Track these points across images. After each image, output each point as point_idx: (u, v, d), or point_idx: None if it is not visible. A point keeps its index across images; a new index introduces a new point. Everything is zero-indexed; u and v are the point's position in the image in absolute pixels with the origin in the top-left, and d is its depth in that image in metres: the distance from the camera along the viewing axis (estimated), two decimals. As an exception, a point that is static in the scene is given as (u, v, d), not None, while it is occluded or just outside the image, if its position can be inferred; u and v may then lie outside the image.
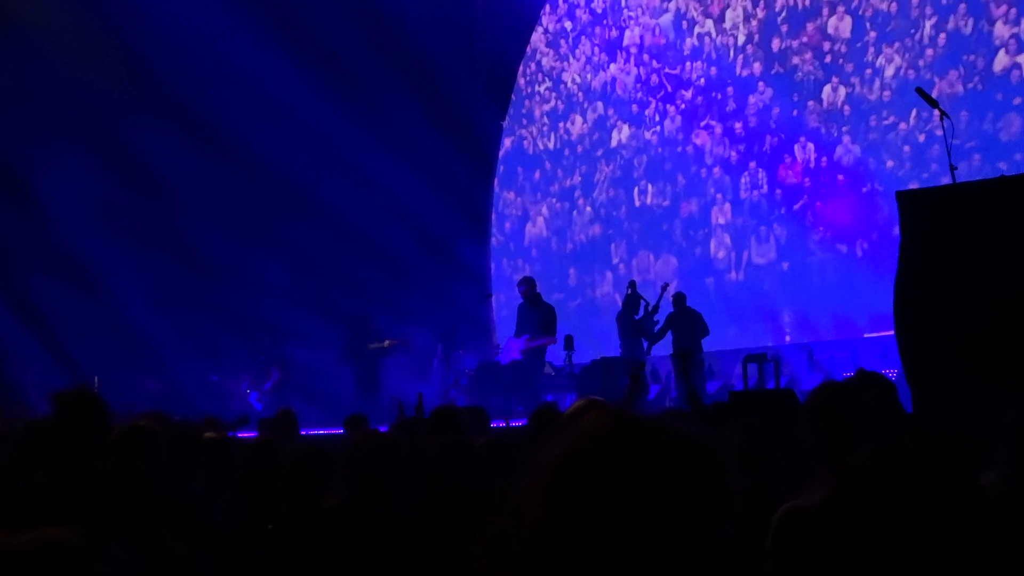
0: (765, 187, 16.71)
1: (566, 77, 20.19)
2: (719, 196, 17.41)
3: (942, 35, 14.82)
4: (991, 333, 5.32)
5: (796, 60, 16.42)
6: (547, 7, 20.19)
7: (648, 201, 18.45)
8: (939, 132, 7.22)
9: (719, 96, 17.34)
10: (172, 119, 14.45)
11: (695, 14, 18.09)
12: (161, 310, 14.01)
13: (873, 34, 15.69)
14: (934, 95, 14.11)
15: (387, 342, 13.52)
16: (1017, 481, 2.98)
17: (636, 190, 18.69)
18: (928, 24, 15.04)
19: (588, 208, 19.50)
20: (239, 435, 7.03)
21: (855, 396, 3.18)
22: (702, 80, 17.63)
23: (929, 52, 15.00)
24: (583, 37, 19.96)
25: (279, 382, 14.06)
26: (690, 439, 1.35)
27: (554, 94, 20.38)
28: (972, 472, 1.88)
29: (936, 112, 6.96)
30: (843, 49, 15.84)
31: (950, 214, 5.78)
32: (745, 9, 17.34)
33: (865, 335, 13.39)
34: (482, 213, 18.55)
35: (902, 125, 15.13)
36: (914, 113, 14.90)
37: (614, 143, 19.05)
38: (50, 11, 13.92)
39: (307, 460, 3.98)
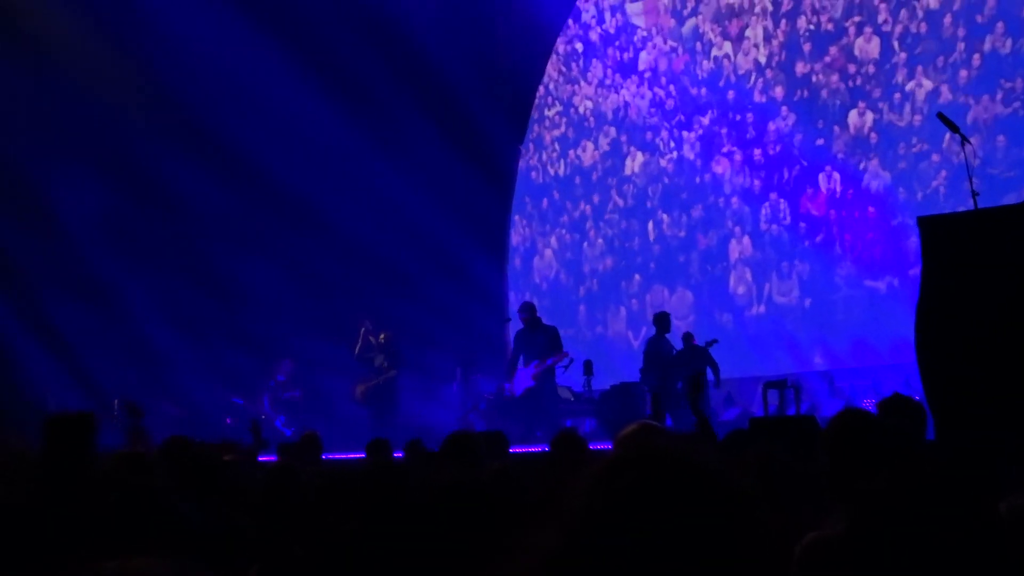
0: (787, 219, 15.79)
1: (577, 101, 19.30)
2: (738, 228, 16.48)
3: (977, 56, 13.87)
4: (1013, 359, 5.34)
5: (820, 83, 15.52)
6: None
7: (663, 232, 17.52)
8: (967, 159, 6.97)
9: (738, 121, 16.46)
10: (191, 140, 14.55)
11: (712, 36, 17.13)
12: (181, 332, 14.15)
13: (903, 55, 14.72)
14: (968, 120, 13.32)
15: (383, 335, 13.47)
16: None
17: (650, 221, 17.79)
18: (962, 45, 14.08)
19: (600, 240, 18.59)
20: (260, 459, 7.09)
21: (875, 423, 3.15)
22: (720, 105, 16.79)
23: (963, 74, 14.02)
24: (595, 59, 19.04)
25: (298, 400, 14.18)
26: (722, 476, 1.32)
27: (564, 119, 19.49)
28: (992, 499, 1.88)
29: (958, 137, 7.09)
30: (870, 72, 14.94)
31: (972, 240, 5.80)
32: (765, 29, 16.39)
33: (887, 362, 12.87)
34: (500, 237, 18.27)
35: (935, 156, 14.07)
36: (947, 139, 13.80)
37: (627, 171, 18.20)
38: (70, 32, 14.06)
39: (329, 486, 3.97)
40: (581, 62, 19.31)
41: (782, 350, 14.92)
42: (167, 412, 13.42)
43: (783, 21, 16.21)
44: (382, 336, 13.64)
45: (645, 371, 12.82)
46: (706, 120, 16.95)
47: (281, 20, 15.00)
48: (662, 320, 13.00)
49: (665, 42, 17.90)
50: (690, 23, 17.45)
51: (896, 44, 14.80)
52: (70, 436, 4.21)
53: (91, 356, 13.72)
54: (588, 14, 19.07)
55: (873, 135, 14.93)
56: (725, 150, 16.58)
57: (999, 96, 13.53)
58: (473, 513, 2.96)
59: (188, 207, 14.79)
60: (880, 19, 14.99)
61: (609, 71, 18.83)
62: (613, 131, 18.55)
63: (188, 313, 14.42)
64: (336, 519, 3.58)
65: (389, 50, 15.60)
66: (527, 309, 13.12)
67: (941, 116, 7.35)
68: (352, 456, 9.03)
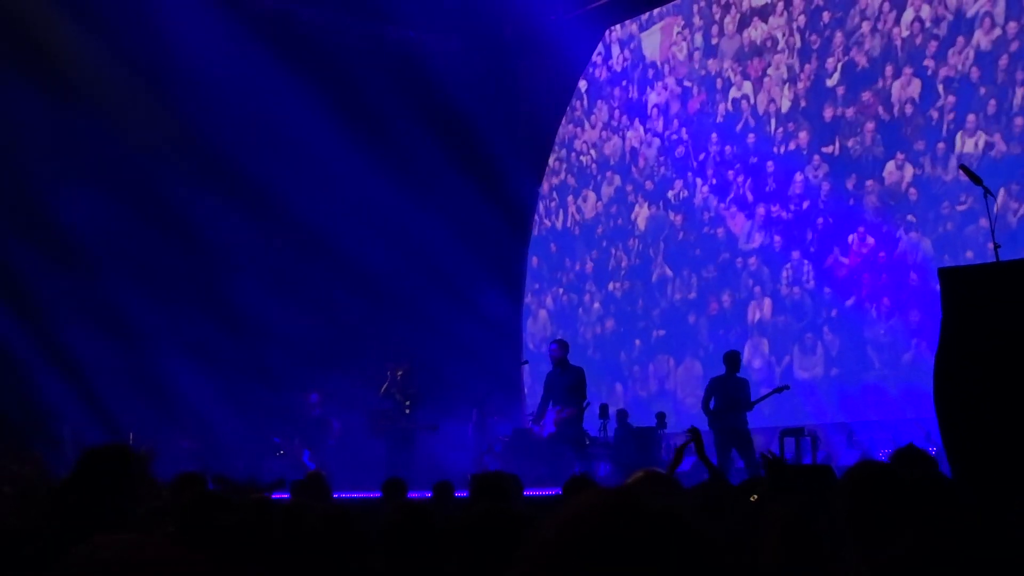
0: (811, 282, 14.17)
1: (579, 145, 17.73)
2: (757, 290, 14.81)
3: None
4: None
5: (852, 131, 13.89)
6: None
7: (671, 294, 15.90)
8: (989, 210, 7.19)
9: (758, 171, 14.94)
10: (214, 174, 14.94)
11: (731, 74, 15.41)
12: (199, 367, 14.34)
13: (950, 99, 12.97)
14: None
15: (400, 371, 13.69)
16: None
17: (655, 278, 16.14)
18: (1020, 90, 12.30)
19: (596, 304, 16.94)
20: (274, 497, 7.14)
21: (893, 475, 3.13)
22: (738, 153, 15.25)
23: (1020, 123, 12.23)
24: (599, 100, 17.32)
25: (339, 434, 14.33)
26: (692, 530, 1.27)
27: (564, 165, 17.93)
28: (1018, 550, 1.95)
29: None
30: (911, 118, 13.28)
31: (992, 292, 5.86)
32: (791, 69, 14.70)
33: (908, 416, 12.11)
34: (518, 278, 17.79)
35: (983, 221, 12.21)
36: (1000, 195, 11.94)
37: (632, 224, 16.69)
38: (95, 65, 14.49)
39: (335, 524, 3.90)
40: (585, 101, 17.74)
41: (801, 398, 13.69)
42: (181, 446, 13.57)
43: (811, 59, 14.52)
44: (399, 372, 13.63)
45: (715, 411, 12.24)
46: (722, 170, 15.45)
47: (306, 57, 15.37)
48: (733, 360, 12.27)
49: (679, 81, 16.27)
50: (709, 60, 15.72)
51: (941, 88, 13.10)
52: (105, 468, 4.11)
53: (109, 390, 13.89)
54: (594, 50, 17.39)
55: (912, 190, 13.21)
56: (742, 204, 15.09)
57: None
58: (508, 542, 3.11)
59: (209, 240, 15.12)
60: (923, 60, 13.17)
61: (616, 112, 17.25)
62: (618, 179, 17.07)
63: (207, 347, 14.60)
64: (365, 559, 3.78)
65: (413, 90, 15.99)
66: (560, 346, 12.68)
67: (963, 168, 7.58)
68: (366, 495, 9.12)
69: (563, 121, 17.81)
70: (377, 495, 7.77)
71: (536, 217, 18.00)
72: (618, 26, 17.15)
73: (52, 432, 12.95)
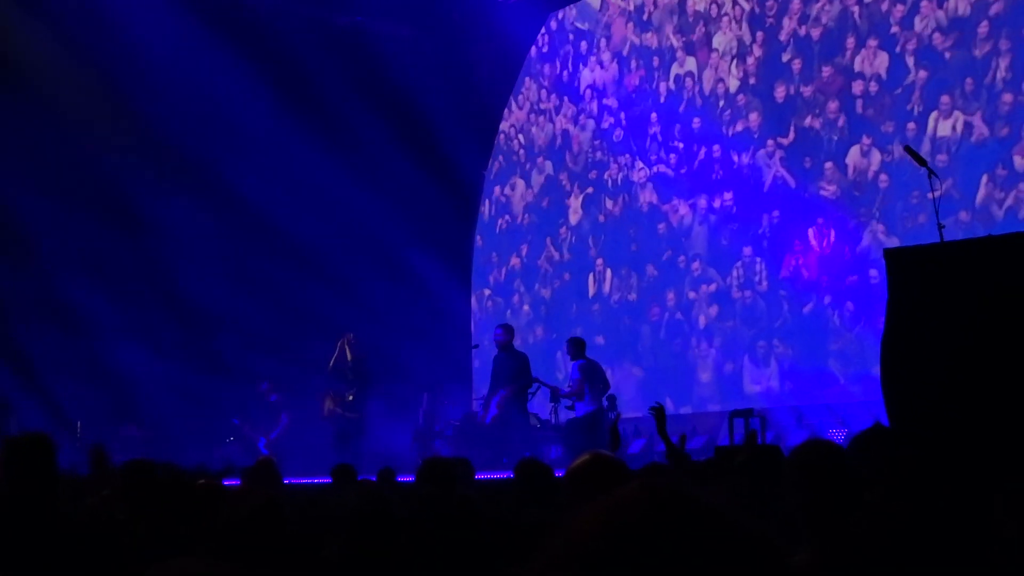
0: (764, 283, 12.91)
1: (505, 127, 16.64)
2: (703, 290, 13.57)
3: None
4: (976, 390, 5.48)
5: (809, 112, 12.66)
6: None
7: (608, 294, 14.77)
8: (934, 192, 6.80)
9: (703, 157, 13.75)
10: (163, 164, 15.31)
11: (674, 44, 13.97)
12: (148, 355, 14.67)
13: (921, 74, 11.60)
14: (1018, 162, 10.38)
15: (349, 337, 13.87)
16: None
17: (591, 278, 15.03)
18: (1004, 63, 10.91)
19: (526, 307, 15.93)
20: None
21: (840, 454, 3.17)
22: (683, 136, 14.08)
23: (1006, 100, 10.84)
24: (527, 79, 15.89)
25: (287, 428, 14.50)
26: (741, 525, 1.23)
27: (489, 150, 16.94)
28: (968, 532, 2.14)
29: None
30: (876, 97, 11.99)
31: (937, 272, 5.98)
32: (740, 41, 13.29)
33: (858, 399, 11.62)
34: (466, 263, 17.67)
35: (963, 213, 11.00)
36: (983, 183, 10.71)
37: (566, 212, 15.61)
38: (45, 59, 14.71)
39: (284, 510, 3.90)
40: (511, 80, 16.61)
41: (743, 352, 13.27)
42: (130, 434, 13.87)
43: (763, 31, 13.14)
44: (349, 337, 13.77)
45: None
46: (662, 155, 14.30)
47: (254, 43, 15.48)
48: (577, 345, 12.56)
49: (615, 56, 14.96)
50: (647, 33, 14.30)
51: (912, 62, 11.71)
52: (29, 458, 4.38)
53: (56, 379, 14.16)
54: (539, 32, 16.08)
55: (882, 178, 11.84)
56: (685, 194, 13.98)
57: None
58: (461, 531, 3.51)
59: (156, 227, 15.31)
60: (889, 29, 11.82)
61: (544, 92, 16.02)
62: (549, 166, 15.93)
63: (155, 334, 15.01)
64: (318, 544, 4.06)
65: (361, 75, 16.08)
66: (506, 331, 12.84)
67: (907, 148, 7.71)
68: (316, 481, 9.30)
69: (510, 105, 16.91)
70: (327, 481, 7.95)
71: (484, 200, 17.22)
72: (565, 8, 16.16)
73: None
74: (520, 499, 4.60)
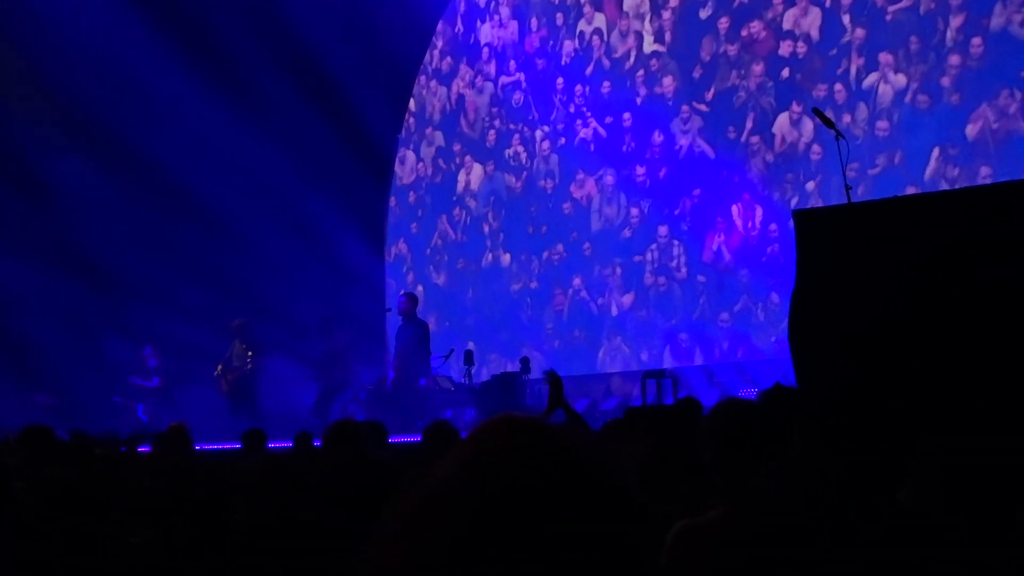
0: (684, 269, 12.26)
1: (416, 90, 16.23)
2: (617, 273, 12.88)
3: (977, 39, 10.00)
4: (883, 351, 5.68)
5: (734, 75, 11.91)
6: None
7: (507, 283, 14.25)
8: (841, 153, 6.70)
9: (612, 126, 13.14)
10: (67, 127, 15.49)
11: (581, 1, 13.35)
12: (54, 322, 14.96)
13: (859, 33, 10.80)
14: (970, 132, 9.65)
15: (238, 321, 14.22)
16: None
17: (488, 257, 14.50)
18: (955, 22, 10.16)
19: (420, 287, 15.37)
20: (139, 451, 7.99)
21: (755, 412, 3.32)
22: (590, 102, 13.41)
23: (954, 62, 10.10)
24: (434, 38, 15.83)
25: (158, 389, 14.79)
26: (602, 456, 1.29)
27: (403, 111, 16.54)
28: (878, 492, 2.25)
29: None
30: (807, 59, 11.27)
31: (845, 233, 6.16)
32: None
33: (768, 357, 11.79)
34: (378, 226, 17.74)
35: (910, 188, 10.11)
36: (935, 157, 10.01)
37: (460, 187, 15.11)
38: None
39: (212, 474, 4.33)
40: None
41: (662, 344, 13.15)
42: (38, 402, 14.06)
43: None
44: (237, 322, 14.08)
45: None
46: (566, 124, 13.73)
47: (162, 4, 15.63)
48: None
49: (515, 13, 14.13)
50: None
51: (848, 20, 10.97)
52: None
53: None
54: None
55: (815, 149, 11.06)
56: (592, 167, 13.36)
57: (1016, 95, 9.60)
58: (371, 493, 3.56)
59: (65, 196, 15.56)
60: None
61: (436, 54, 15.36)
62: (440, 136, 15.45)
63: (65, 304, 15.24)
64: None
65: (271, 34, 16.05)
66: (408, 301, 13.44)
67: (816, 111, 7.87)
68: (227, 447, 9.65)
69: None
70: (237, 446, 8.22)
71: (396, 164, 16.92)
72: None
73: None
74: (429, 462, 4.38)
